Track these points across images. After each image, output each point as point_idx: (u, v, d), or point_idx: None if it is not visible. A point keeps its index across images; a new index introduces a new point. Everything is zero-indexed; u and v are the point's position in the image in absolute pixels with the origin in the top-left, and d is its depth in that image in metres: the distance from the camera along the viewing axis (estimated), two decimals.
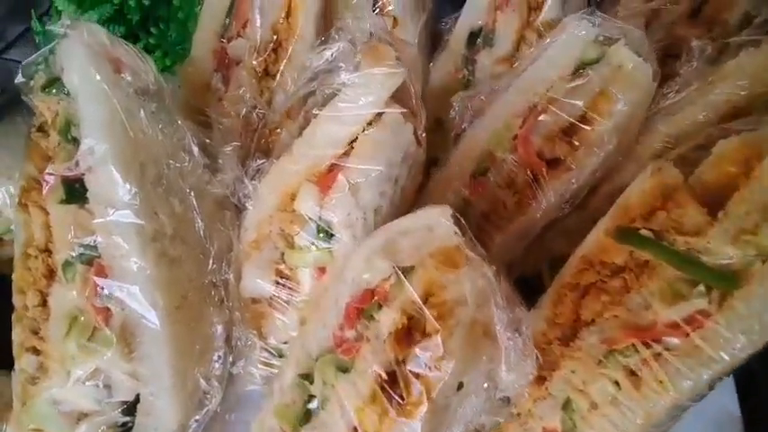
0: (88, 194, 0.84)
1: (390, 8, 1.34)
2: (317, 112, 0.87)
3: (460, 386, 0.81)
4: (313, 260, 1.02)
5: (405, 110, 0.88)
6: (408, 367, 0.78)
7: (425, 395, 0.76)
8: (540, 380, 0.96)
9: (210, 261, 1.02)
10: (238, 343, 1.10)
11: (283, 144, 0.98)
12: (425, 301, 0.81)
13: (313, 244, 1.00)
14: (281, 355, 1.15)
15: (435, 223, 0.83)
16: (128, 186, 0.82)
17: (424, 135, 0.96)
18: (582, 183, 1.11)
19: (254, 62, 1.17)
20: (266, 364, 1.11)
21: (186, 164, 0.94)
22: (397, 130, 0.91)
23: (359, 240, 0.99)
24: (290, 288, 1.06)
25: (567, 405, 0.93)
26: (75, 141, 0.85)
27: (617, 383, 0.87)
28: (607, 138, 1.08)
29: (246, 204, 1.03)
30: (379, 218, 1.03)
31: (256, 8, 1.13)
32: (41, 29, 1.33)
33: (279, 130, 1.07)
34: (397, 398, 0.78)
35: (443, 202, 1.24)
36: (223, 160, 1.00)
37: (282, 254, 1.07)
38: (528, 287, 1.30)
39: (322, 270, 1.04)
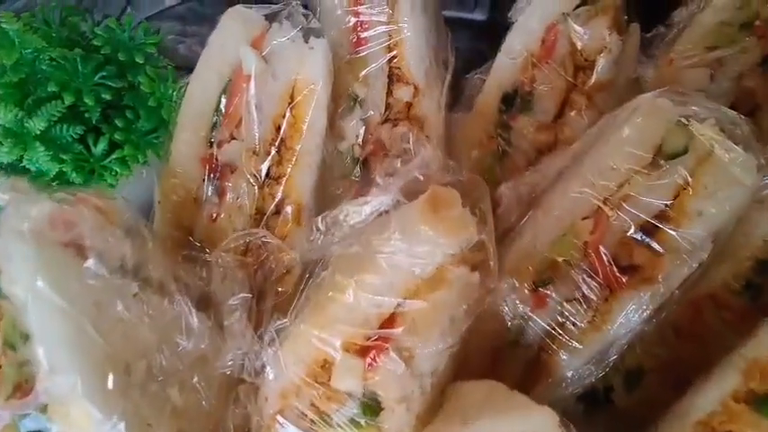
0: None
1: (411, 76, 1.11)
2: (358, 278, 0.65)
3: None
4: None
5: (476, 274, 0.66)
6: None
7: None
8: None
9: None
10: None
11: (304, 299, 0.76)
12: None
13: (355, 422, 0.79)
14: None
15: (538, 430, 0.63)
16: (110, 422, 0.59)
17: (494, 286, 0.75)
18: (669, 297, 0.93)
19: (254, 168, 0.94)
20: None
21: (184, 345, 0.71)
22: (463, 288, 0.69)
23: (413, 413, 0.79)
24: None
25: None
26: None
27: None
28: (699, 244, 0.89)
29: (265, 372, 0.81)
30: (436, 379, 0.82)
31: (252, 103, 0.89)
32: None
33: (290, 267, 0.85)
34: None
35: (498, 324, 1.06)
36: (229, 321, 0.77)
37: (313, 425, 0.86)
38: (594, 400, 1.12)
39: None
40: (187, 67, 1.06)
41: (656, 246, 0.93)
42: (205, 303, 0.84)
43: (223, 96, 0.90)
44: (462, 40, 1.46)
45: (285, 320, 0.76)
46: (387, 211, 0.65)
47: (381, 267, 0.64)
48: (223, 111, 0.90)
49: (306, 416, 0.84)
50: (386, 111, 1.13)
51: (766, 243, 0.91)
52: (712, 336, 0.97)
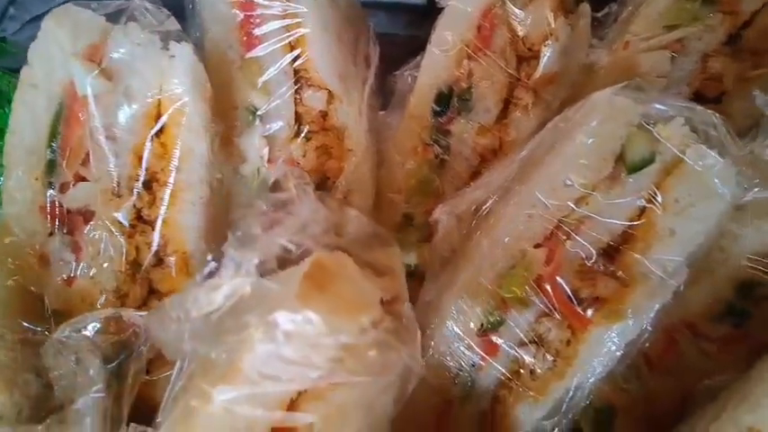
0: None
1: (322, 80, 0.91)
2: (223, 388, 0.46)
3: None
4: None
5: (394, 353, 0.48)
6: None
7: None
8: None
9: None
10: None
11: (173, 400, 0.56)
12: None
13: None
14: None
15: None
16: None
17: (422, 363, 0.58)
18: (641, 332, 0.78)
19: (117, 212, 0.73)
20: None
21: None
22: (371, 388, 0.51)
23: None
24: None
25: None
26: None
27: None
28: (673, 269, 0.74)
29: None
30: None
31: (99, 132, 0.67)
32: None
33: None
34: None
35: (442, 377, 0.89)
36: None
37: None
38: None
39: None
40: None
41: (621, 274, 0.79)
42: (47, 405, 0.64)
43: (59, 125, 0.69)
44: (400, 26, 1.27)
45: (146, 429, 0.56)
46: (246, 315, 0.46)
47: (250, 378, 0.45)
48: (59, 145, 0.69)
49: None
50: (296, 123, 0.94)
51: (749, 261, 0.77)
52: (690, 369, 0.84)
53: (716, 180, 0.70)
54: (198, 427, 0.51)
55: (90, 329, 0.63)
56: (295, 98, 0.92)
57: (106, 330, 0.66)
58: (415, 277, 1.04)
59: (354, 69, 0.98)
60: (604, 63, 1.06)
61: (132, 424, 0.56)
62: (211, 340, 0.47)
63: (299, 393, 0.52)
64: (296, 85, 0.91)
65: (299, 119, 0.95)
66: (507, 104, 0.99)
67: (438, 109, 1.00)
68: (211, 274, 0.47)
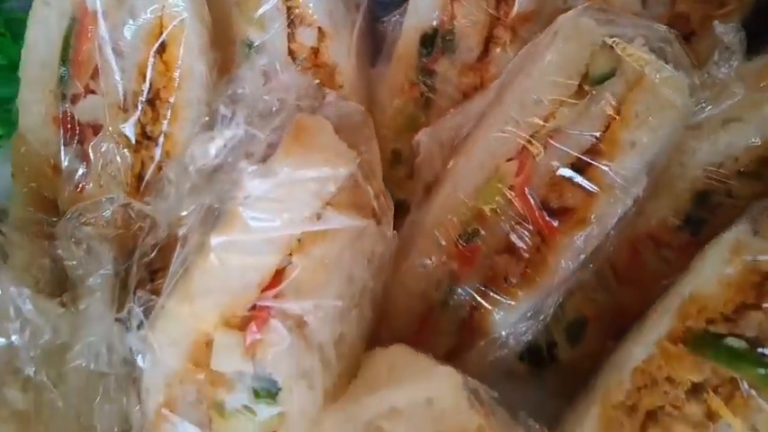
0: None
1: (312, 17, 0.98)
2: (219, 237, 0.52)
3: None
4: (255, 429, 0.69)
5: (368, 221, 0.54)
6: None
7: None
8: None
9: None
10: None
11: (176, 271, 0.63)
12: None
13: (250, 409, 0.68)
14: None
15: (439, 395, 0.52)
16: None
17: (393, 232, 0.64)
18: (605, 238, 0.84)
19: (123, 125, 0.79)
20: None
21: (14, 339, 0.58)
22: (348, 238, 0.58)
23: (318, 390, 0.68)
24: None
25: None
26: None
27: None
28: (633, 177, 0.81)
29: (138, 360, 0.68)
30: (344, 348, 0.71)
31: (107, 47, 0.74)
32: None
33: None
34: None
35: (423, 284, 0.96)
36: (85, 304, 0.64)
37: (206, 417, 0.74)
38: (538, 358, 1.05)
39: None
40: None
41: (587, 184, 0.85)
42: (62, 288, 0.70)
43: (70, 40, 0.75)
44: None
45: (151, 297, 0.63)
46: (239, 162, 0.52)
47: (242, 221, 0.52)
48: (70, 58, 0.75)
49: (196, 407, 0.73)
50: (289, 58, 1.00)
51: (705, 172, 0.84)
52: (653, 277, 0.90)
53: (669, 91, 0.76)
54: (194, 278, 0.57)
55: (100, 217, 0.69)
56: (288, 34, 1.00)
57: (114, 224, 0.73)
58: (403, 210, 1.12)
59: (345, 11, 1.04)
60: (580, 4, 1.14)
61: (139, 291, 0.63)
62: (209, 190, 0.53)
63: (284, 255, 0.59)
64: (288, 20, 0.99)
65: (292, 55, 1.02)
66: (488, 44, 1.07)
67: (424, 50, 1.08)
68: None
